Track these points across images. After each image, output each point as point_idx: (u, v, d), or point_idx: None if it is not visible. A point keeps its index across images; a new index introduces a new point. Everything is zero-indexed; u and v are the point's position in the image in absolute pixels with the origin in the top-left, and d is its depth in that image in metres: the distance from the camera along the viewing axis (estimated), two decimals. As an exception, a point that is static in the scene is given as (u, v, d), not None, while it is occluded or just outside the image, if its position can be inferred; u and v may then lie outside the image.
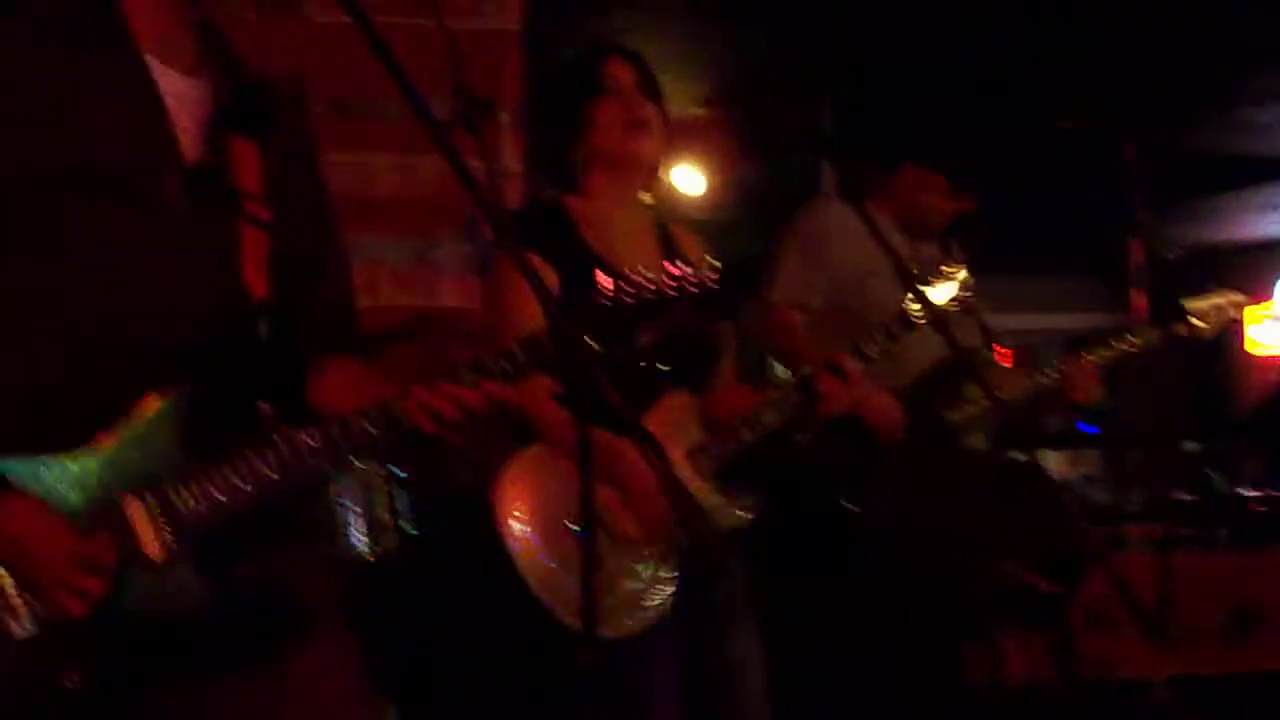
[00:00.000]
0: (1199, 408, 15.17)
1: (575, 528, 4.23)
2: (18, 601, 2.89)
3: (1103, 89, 10.45)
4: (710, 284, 3.05)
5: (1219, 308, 5.89)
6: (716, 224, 13.20)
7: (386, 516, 6.15)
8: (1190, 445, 14.09)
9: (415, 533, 6.25)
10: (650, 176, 4.80)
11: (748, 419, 4.60)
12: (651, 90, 4.75)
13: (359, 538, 6.04)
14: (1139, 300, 11.65)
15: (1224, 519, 13.17)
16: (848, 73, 9.56)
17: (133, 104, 3.01)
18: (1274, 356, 17.35)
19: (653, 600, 4.43)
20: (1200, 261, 16.72)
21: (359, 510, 6.07)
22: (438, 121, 2.93)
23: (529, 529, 4.33)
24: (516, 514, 4.34)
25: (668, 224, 4.85)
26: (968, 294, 4.83)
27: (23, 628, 2.89)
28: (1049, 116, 5.50)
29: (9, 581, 2.87)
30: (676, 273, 3.04)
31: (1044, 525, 5.22)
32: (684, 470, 4.46)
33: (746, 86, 10.62)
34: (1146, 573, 5.18)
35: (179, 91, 3.09)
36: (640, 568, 4.41)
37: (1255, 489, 14.15)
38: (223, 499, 2.95)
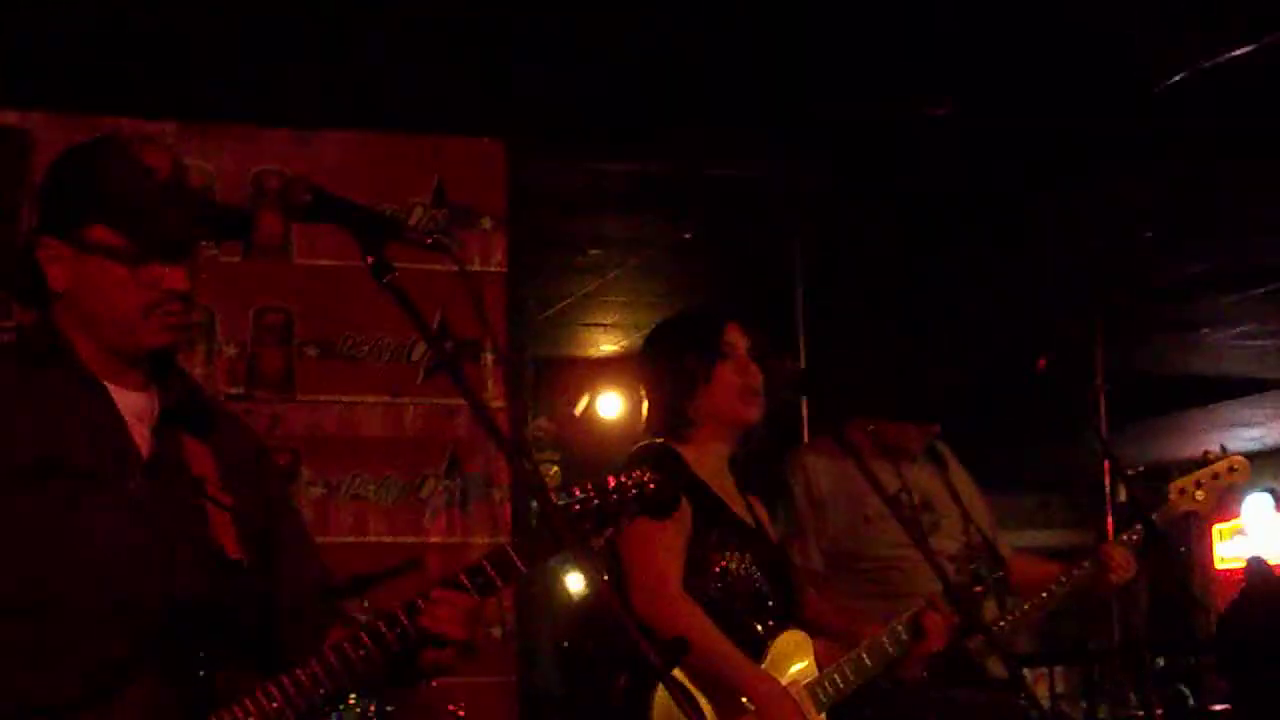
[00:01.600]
0: (1165, 623, 15.24)
1: None
2: None
3: (1066, 323, 10.70)
4: (654, 485, 3.31)
5: (1214, 475, 5.79)
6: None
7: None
8: (1158, 660, 14.15)
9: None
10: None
11: (853, 660, 4.80)
12: (760, 354, 4.99)
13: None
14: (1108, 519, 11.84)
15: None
16: (818, 310, 9.75)
17: (92, 412, 3.25)
18: (1238, 570, 17.43)
19: None
20: (1162, 478, 16.93)
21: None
22: (456, 358, 3.14)
23: None
24: None
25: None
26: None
27: None
28: (1020, 354, 5.60)
29: None
30: (625, 479, 3.30)
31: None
32: (804, 703, 4.64)
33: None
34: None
35: (133, 404, 3.32)
36: None
37: (1222, 703, 14.23)
38: None
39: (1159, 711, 13.26)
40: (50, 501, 3.11)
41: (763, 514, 5.10)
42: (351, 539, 7.51)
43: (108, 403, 3.26)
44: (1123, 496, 12.48)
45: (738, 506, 4.93)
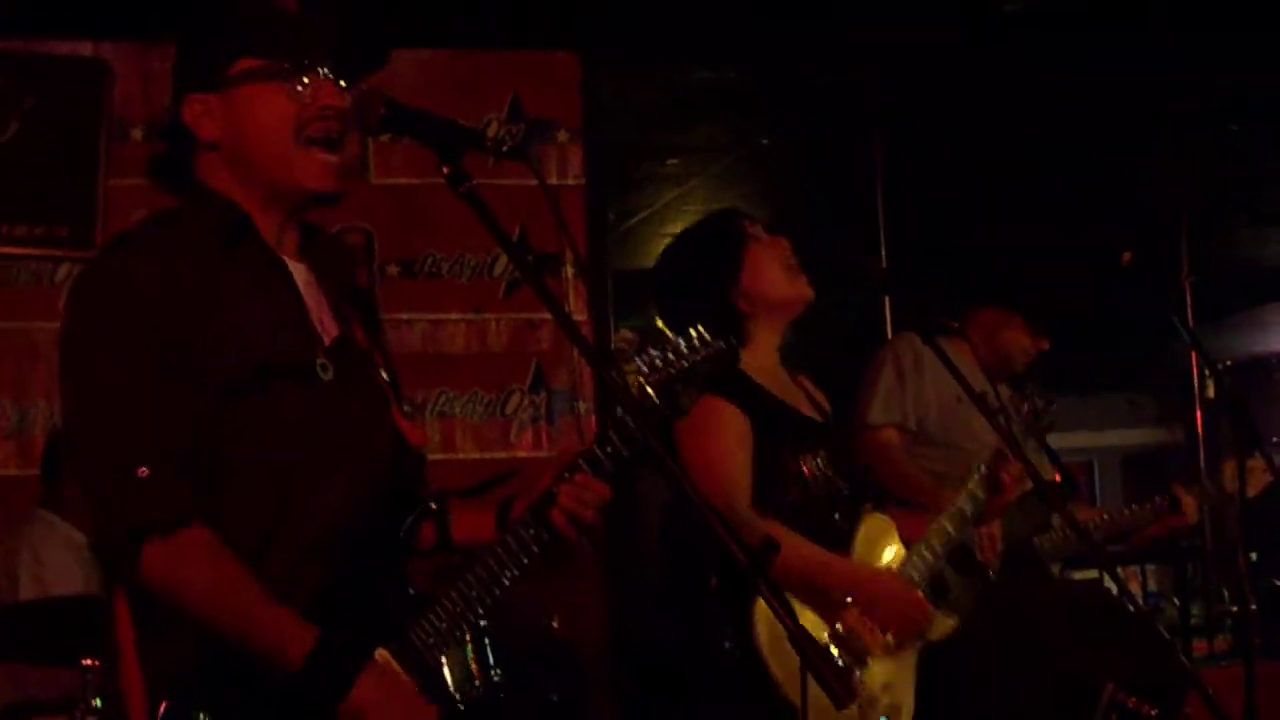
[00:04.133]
0: (1257, 518, 15.11)
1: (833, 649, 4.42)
2: None
3: (1149, 213, 10.61)
4: (724, 345, 3.45)
5: (1261, 470, 5.93)
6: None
7: (475, 666, 6.23)
8: (1251, 556, 14.04)
9: (499, 679, 6.33)
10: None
11: (937, 531, 4.76)
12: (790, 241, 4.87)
13: (451, 685, 6.12)
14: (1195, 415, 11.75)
15: (1288, 628, 13.16)
16: (898, 211, 9.69)
17: (280, 299, 3.25)
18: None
19: (900, 713, 4.55)
20: (1252, 372, 16.79)
21: (449, 663, 6.16)
22: (539, 271, 3.18)
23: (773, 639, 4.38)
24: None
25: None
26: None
27: None
28: (1105, 248, 5.58)
29: None
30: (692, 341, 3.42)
31: (1141, 649, 5.28)
32: (902, 584, 4.62)
33: (796, 222, 10.78)
34: (1221, 685, 5.18)
35: (302, 277, 3.32)
36: (891, 682, 4.52)
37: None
38: (445, 626, 3.22)
39: (1253, 607, 13.14)
40: (263, 404, 3.12)
41: (817, 394, 4.96)
42: (439, 456, 7.55)
43: (291, 285, 3.26)
44: (1210, 393, 12.39)
45: (798, 401, 4.81)
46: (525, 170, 3.38)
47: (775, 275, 4.72)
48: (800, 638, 2.93)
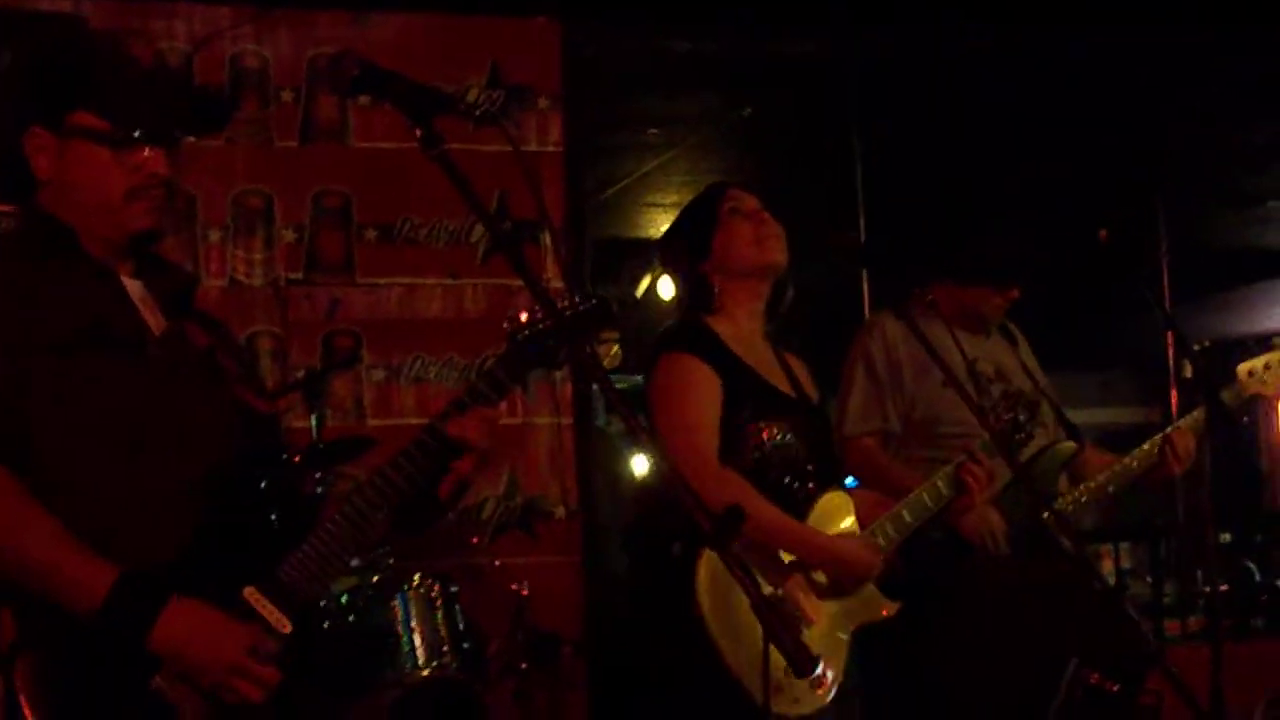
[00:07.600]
0: (1231, 498, 15.16)
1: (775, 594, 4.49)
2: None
3: (1130, 191, 10.61)
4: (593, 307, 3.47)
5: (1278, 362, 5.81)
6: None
7: (445, 633, 6.24)
8: (1224, 536, 14.06)
9: (468, 647, 6.33)
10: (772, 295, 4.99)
11: (894, 516, 4.80)
12: (771, 210, 4.93)
13: (420, 656, 6.14)
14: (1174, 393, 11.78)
15: (1260, 609, 13.19)
16: (877, 185, 9.69)
17: (106, 295, 3.38)
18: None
19: (828, 683, 4.57)
20: (1228, 354, 16.84)
21: (419, 629, 6.17)
22: (513, 238, 3.23)
23: (717, 608, 4.42)
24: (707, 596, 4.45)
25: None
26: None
27: None
28: (1082, 223, 5.56)
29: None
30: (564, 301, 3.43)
31: (1106, 626, 5.27)
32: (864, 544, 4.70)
33: (775, 193, 10.76)
34: (1190, 665, 5.19)
35: (134, 290, 3.45)
36: (821, 654, 4.52)
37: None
38: (315, 566, 3.29)
39: (1224, 587, 13.19)
40: (94, 368, 3.25)
41: (803, 374, 5.03)
42: (414, 420, 7.56)
43: (119, 287, 3.40)
44: (1187, 372, 12.39)
45: (773, 374, 4.88)
46: (503, 137, 3.39)
47: (742, 246, 4.83)
48: (763, 607, 2.95)
